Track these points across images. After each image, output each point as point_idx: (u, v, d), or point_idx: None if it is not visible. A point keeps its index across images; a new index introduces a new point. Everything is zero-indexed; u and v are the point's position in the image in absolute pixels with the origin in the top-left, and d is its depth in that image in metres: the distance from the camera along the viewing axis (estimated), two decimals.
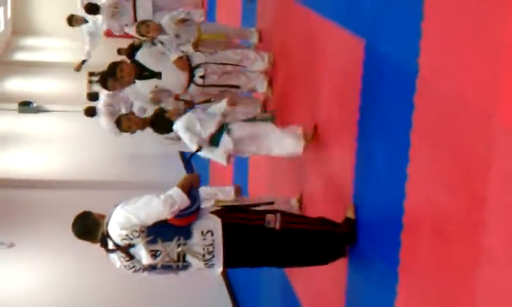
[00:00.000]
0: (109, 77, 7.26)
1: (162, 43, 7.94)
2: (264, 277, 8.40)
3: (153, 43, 8.12)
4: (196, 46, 8.39)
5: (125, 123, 7.39)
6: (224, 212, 5.29)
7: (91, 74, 12.43)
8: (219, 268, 5.20)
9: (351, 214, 5.55)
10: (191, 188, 5.10)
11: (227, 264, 5.20)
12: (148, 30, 8.42)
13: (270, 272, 7.62)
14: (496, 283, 3.68)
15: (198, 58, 7.70)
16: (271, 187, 8.19)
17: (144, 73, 7.44)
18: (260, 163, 8.73)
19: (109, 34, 13.68)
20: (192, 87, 7.61)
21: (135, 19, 11.70)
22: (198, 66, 7.62)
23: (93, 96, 13.06)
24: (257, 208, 5.66)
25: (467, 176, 3.93)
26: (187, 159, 6.39)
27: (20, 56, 24.94)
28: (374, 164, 5.28)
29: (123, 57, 10.17)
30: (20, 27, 28.04)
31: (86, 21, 13.05)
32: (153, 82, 7.57)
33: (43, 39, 27.19)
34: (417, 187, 4.56)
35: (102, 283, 10.09)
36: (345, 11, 6.03)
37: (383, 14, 5.18)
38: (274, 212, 5.33)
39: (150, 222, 4.93)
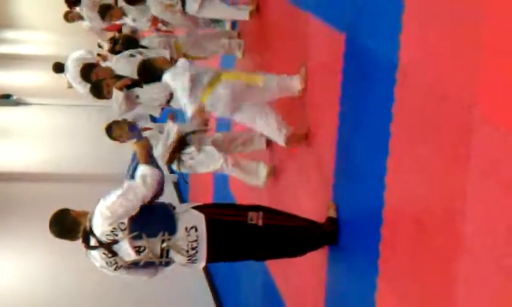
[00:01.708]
0: (96, 94, 7.30)
1: (140, 53, 7.92)
2: (246, 272, 8.40)
3: (132, 55, 8.07)
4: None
5: (116, 131, 7.20)
6: (208, 208, 5.28)
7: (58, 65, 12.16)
8: (201, 264, 5.19)
9: (332, 213, 5.56)
10: (150, 158, 5.12)
11: (210, 259, 5.18)
12: (111, 18, 8.72)
13: (251, 267, 7.62)
14: (476, 273, 3.69)
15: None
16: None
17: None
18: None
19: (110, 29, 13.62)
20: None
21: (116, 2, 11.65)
22: None
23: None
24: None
25: (447, 167, 3.94)
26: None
27: (1, 49, 24.79)
28: (355, 156, 5.28)
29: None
30: (0, 19, 27.85)
31: (81, 17, 13.00)
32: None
33: (23, 32, 27.04)
34: (397, 180, 4.57)
35: (82, 279, 10.05)
36: (326, 5, 6.03)
37: (363, 7, 5.18)
38: (256, 209, 5.33)
39: (136, 208, 4.90)
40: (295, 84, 6.35)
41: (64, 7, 13.25)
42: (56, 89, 17.53)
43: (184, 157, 6.98)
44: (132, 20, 8.97)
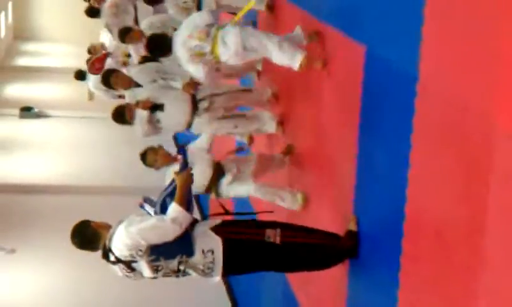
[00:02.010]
0: (118, 121, 7.30)
1: (163, 79, 7.93)
2: (265, 283, 8.39)
3: (154, 80, 8.07)
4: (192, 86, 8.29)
5: (150, 156, 7.14)
6: (225, 227, 5.29)
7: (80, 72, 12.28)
8: (217, 278, 5.23)
9: (353, 226, 5.54)
10: (187, 196, 5.12)
11: (226, 274, 5.23)
12: (131, 41, 8.73)
13: (271, 278, 7.61)
14: (497, 287, 3.67)
15: (202, 91, 7.48)
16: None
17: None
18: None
19: None
20: (196, 120, 7.38)
21: (136, 20, 11.74)
22: (202, 99, 7.42)
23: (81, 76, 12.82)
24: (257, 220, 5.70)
25: (468, 180, 3.92)
26: (180, 146, 6.26)
27: (21, 61, 24.98)
28: (375, 168, 5.27)
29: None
30: (21, 32, 28.09)
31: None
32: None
33: (44, 45, 27.22)
34: (418, 192, 4.55)
35: (103, 287, 10.08)
36: (346, 17, 6.02)
37: (383, 19, 5.17)
38: (274, 226, 5.33)
39: (157, 243, 4.96)
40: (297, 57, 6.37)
41: (84, 19, 13.32)
42: (76, 101, 17.71)
43: (221, 189, 7.12)
44: None
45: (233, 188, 7.14)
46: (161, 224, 4.97)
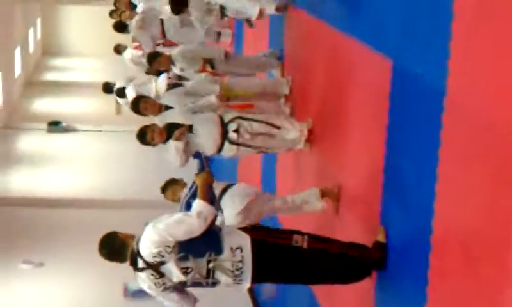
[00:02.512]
0: (141, 141, 7.24)
1: (192, 102, 7.97)
2: (291, 296, 8.38)
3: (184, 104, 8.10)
4: (222, 99, 8.26)
5: (169, 191, 7.01)
6: (252, 230, 5.32)
7: (107, 85, 12.48)
8: (247, 284, 5.21)
9: (381, 238, 5.53)
10: (209, 193, 5.20)
11: (255, 279, 5.21)
12: (159, 66, 8.72)
13: (297, 291, 7.61)
14: None
15: (230, 113, 7.51)
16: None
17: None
18: (287, 164, 8.75)
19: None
20: (226, 145, 7.32)
21: (163, 33, 11.86)
22: (230, 121, 7.36)
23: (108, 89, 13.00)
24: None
25: (495, 194, 3.91)
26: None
27: (50, 76, 25.20)
28: (402, 182, 5.26)
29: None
30: (50, 47, 28.34)
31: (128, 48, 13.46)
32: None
33: (72, 60, 27.44)
34: (446, 206, 4.54)
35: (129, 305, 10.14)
36: (373, 32, 6.03)
37: (410, 33, 5.18)
38: (301, 233, 5.34)
39: (184, 239, 4.96)
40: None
41: (112, 34, 13.46)
42: (103, 115, 17.83)
43: None
44: (180, 69, 9.00)
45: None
46: (187, 218, 5.00)
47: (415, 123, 5.03)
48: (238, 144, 7.29)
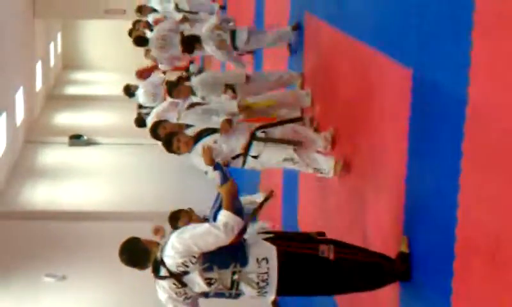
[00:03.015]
0: (166, 147, 7.20)
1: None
2: (313, 303, 8.36)
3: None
4: (243, 109, 8.31)
5: (183, 218, 7.11)
6: (278, 240, 5.28)
7: (140, 107, 12.58)
8: (271, 297, 5.16)
9: (404, 248, 5.49)
10: (235, 202, 5.10)
11: (280, 292, 5.16)
12: (179, 95, 8.62)
13: (320, 302, 7.59)
14: None
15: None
16: (321, 213, 8.18)
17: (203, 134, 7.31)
18: (309, 190, 8.75)
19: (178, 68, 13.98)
20: (254, 143, 7.27)
21: (183, 51, 11.91)
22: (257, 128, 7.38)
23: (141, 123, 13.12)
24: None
25: None
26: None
27: (71, 90, 25.40)
28: (425, 191, 5.25)
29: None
30: (70, 61, 28.56)
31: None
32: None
33: (92, 73, 27.62)
34: (469, 215, 4.52)
35: None
36: (393, 41, 6.03)
37: (430, 42, 5.17)
38: (326, 242, 5.32)
39: (210, 249, 4.93)
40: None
41: (132, 48, 13.54)
42: (125, 128, 17.90)
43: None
44: (201, 98, 8.89)
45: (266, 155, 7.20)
46: (213, 230, 4.92)
47: (437, 131, 5.02)
48: (266, 140, 7.24)
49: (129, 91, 12.62)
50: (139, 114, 12.53)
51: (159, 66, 13.18)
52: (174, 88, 8.98)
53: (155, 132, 7.84)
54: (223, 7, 14.86)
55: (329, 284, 5.32)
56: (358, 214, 6.87)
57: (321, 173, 7.30)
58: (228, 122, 7.31)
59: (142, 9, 15.21)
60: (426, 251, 5.25)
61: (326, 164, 7.23)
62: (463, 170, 4.56)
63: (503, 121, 4.07)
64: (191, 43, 9.49)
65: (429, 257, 5.20)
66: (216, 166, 5.88)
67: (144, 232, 8.57)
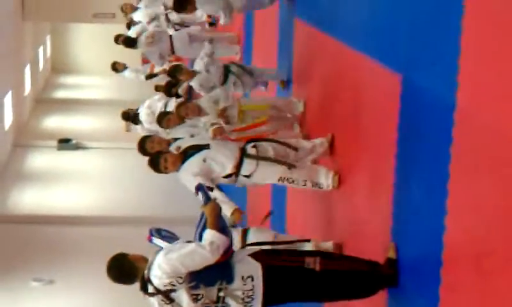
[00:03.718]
0: (153, 167, 7.05)
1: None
2: None
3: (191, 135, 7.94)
4: (239, 119, 8.23)
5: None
6: (264, 255, 5.29)
7: (126, 113, 12.51)
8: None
9: (392, 254, 5.50)
10: (219, 221, 5.11)
11: (265, 305, 5.19)
12: (187, 112, 8.31)
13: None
14: None
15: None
16: (307, 223, 8.17)
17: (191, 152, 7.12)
18: (297, 198, 8.74)
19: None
20: (245, 160, 7.03)
21: (172, 50, 11.96)
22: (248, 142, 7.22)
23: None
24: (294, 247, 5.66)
25: (508, 209, 3.89)
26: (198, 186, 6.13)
27: (59, 94, 25.32)
28: (413, 197, 5.24)
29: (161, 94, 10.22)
30: (59, 65, 28.47)
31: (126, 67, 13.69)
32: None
33: (81, 77, 27.57)
34: (457, 221, 4.52)
35: None
36: (381, 47, 6.03)
37: (419, 48, 5.18)
38: (313, 254, 5.32)
39: (197, 269, 4.95)
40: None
41: (121, 53, 13.57)
42: (113, 132, 17.87)
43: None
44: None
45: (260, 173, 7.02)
46: (200, 249, 4.94)
47: (425, 137, 5.01)
48: (257, 158, 6.99)
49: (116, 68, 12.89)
50: (126, 112, 12.47)
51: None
52: (163, 117, 8.75)
53: (142, 148, 7.68)
54: (211, 24, 14.88)
55: (315, 293, 5.35)
56: (346, 220, 6.86)
57: (320, 187, 7.13)
58: (220, 128, 7.29)
59: (125, 8, 15.24)
60: (414, 257, 5.24)
61: (325, 179, 7.09)
62: (451, 176, 4.55)
63: (491, 126, 4.07)
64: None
65: (416, 264, 5.19)
66: (199, 187, 5.86)
67: (132, 237, 8.57)
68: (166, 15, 13.59)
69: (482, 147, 4.19)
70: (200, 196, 5.57)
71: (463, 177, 4.42)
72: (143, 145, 7.69)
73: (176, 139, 7.61)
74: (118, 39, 14.06)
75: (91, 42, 27.52)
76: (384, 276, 5.44)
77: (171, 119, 8.57)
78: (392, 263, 5.47)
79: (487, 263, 4.13)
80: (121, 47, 12.89)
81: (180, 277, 4.93)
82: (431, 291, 4.77)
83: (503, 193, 3.95)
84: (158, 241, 5.51)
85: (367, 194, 6.30)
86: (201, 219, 5.21)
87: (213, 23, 14.17)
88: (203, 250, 4.93)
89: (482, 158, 4.19)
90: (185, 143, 7.26)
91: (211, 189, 6.61)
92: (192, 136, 7.66)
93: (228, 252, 5.13)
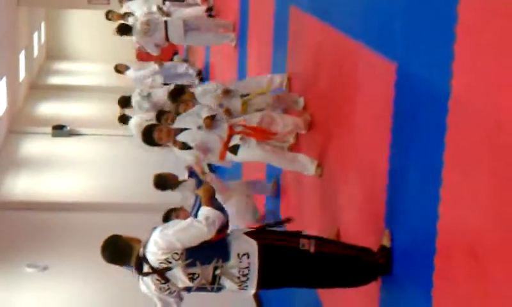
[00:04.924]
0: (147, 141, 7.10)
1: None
2: (297, 302, 8.37)
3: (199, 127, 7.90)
4: (243, 110, 8.18)
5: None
6: (259, 234, 5.30)
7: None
8: (252, 291, 5.20)
9: (386, 242, 5.52)
10: (214, 201, 5.15)
11: (261, 286, 5.20)
12: (161, 136, 8.14)
13: (303, 296, 7.60)
14: None
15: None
16: (304, 207, 8.19)
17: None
18: (291, 185, 8.75)
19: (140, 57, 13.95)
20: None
21: (167, 38, 11.95)
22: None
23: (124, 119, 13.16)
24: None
25: (501, 197, 3.91)
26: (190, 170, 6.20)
27: (54, 80, 25.24)
28: (407, 185, 5.26)
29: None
30: (54, 51, 28.39)
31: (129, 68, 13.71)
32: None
33: (76, 64, 27.49)
34: (450, 209, 4.53)
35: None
36: (377, 35, 6.03)
37: (414, 36, 5.18)
38: (308, 237, 5.34)
39: (193, 244, 4.95)
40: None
41: (116, 39, 13.55)
42: (108, 119, 17.84)
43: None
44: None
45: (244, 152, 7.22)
46: (195, 223, 4.97)
47: (420, 125, 5.02)
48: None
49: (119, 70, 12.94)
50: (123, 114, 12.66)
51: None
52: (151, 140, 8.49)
53: (149, 137, 7.35)
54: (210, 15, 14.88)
55: (309, 276, 5.36)
56: (340, 208, 6.88)
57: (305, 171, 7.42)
58: (211, 118, 7.30)
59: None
60: (408, 245, 5.27)
61: (310, 167, 7.32)
62: (445, 164, 4.56)
63: (486, 115, 4.08)
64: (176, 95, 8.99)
65: (410, 251, 5.21)
66: (191, 174, 5.92)
67: (126, 224, 8.56)
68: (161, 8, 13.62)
69: (477, 135, 4.20)
70: (194, 181, 5.63)
71: (457, 165, 4.44)
72: (149, 133, 7.36)
73: (181, 130, 7.44)
74: (108, 14, 14.08)
75: (86, 28, 27.43)
76: (378, 264, 5.46)
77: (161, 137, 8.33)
78: (386, 251, 5.48)
79: (480, 250, 4.15)
80: (115, 34, 12.90)
81: (176, 254, 4.92)
82: (425, 278, 4.80)
83: (497, 181, 3.96)
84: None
85: (361, 181, 6.31)
86: (195, 203, 5.25)
87: (211, 15, 14.17)
88: (199, 224, 4.95)
89: (477, 146, 4.20)
90: (191, 136, 7.31)
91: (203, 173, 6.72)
92: (199, 127, 7.51)
93: (224, 231, 5.14)
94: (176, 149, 7.28)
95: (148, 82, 13.62)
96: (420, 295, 4.90)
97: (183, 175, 8.30)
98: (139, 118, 12.38)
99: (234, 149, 7.21)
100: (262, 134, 7.38)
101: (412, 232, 5.21)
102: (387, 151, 5.60)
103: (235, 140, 7.23)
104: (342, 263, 5.36)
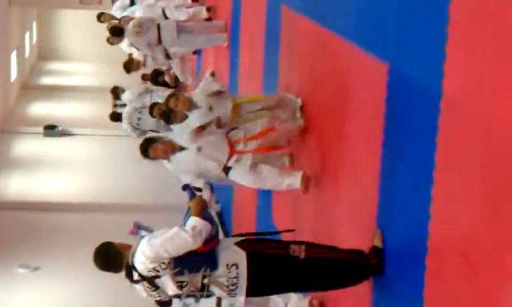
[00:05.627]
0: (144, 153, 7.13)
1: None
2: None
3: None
4: (235, 114, 8.02)
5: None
6: (249, 243, 5.31)
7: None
8: (241, 297, 5.24)
9: (378, 242, 5.52)
10: (204, 212, 5.17)
11: (250, 293, 5.23)
12: (177, 103, 7.88)
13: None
14: None
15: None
16: (295, 209, 8.19)
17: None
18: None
19: None
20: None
21: (159, 40, 11.93)
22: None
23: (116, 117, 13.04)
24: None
25: (493, 198, 3.91)
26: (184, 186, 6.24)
27: (45, 80, 25.21)
28: (399, 186, 5.26)
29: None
30: (46, 51, 28.34)
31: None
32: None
33: (68, 64, 27.45)
34: (442, 210, 4.54)
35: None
36: (369, 35, 6.04)
37: (406, 37, 5.19)
38: (299, 242, 5.35)
39: (179, 254, 4.97)
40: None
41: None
42: (99, 119, 17.83)
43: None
44: None
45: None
46: (181, 233, 4.99)
47: (412, 126, 5.03)
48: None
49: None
50: (115, 105, 12.51)
51: (136, 54, 13.25)
52: (171, 97, 8.20)
53: (145, 151, 7.27)
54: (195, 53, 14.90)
55: (300, 282, 5.39)
56: (332, 209, 6.88)
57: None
58: (201, 128, 7.32)
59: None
60: (399, 245, 5.27)
61: (294, 182, 7.36)
62: (437, 164, 4.57)
63: (477, 115, 4.09)
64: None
65: (402, 251, 5.22)
66: (185, 187, 5.95)
67: (118, 224, 8.56)
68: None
69: (468, 136, 4.20)
70: (186, 194, 5.67)
71: (449, 166, 4.44)
72: (146, 148, 7.25)
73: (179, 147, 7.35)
74: (100, 17, 14.03)
75: (77, 29, 27.39)
76: (370, 265, 5.47)
77: (181, 99, 8.06)
78: (378, 251, 5.49)
79: (472, 250, 4.15)
80: (106, 34, 12.86)
81: (164, 263, 4.96)
82: (416, 279, 4.80)
83: (488, 182, 3.97)
84: (144, 233, 5.55)
85: (353, 181, 6.32)
86: (186, 214, 5.27)
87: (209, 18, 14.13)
88: (185, 234, 4.98)
89: (468, 146, 4.21)
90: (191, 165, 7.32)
91: (199, 189, 6.80)
92: (199, 149, 7.44)
93: (214, 242, 5.16)
94: (171, 168, 7.35)
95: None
96: (412, 295, 4.91)
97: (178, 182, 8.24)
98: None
99: (226, 170, 7.29)
100: (264, 150, 7.47)
101: (404, 232, 5.21)
102: (379, 152, 5.61)
103: (231, 161, 7.27)
104: (332, 268, 5.37)
